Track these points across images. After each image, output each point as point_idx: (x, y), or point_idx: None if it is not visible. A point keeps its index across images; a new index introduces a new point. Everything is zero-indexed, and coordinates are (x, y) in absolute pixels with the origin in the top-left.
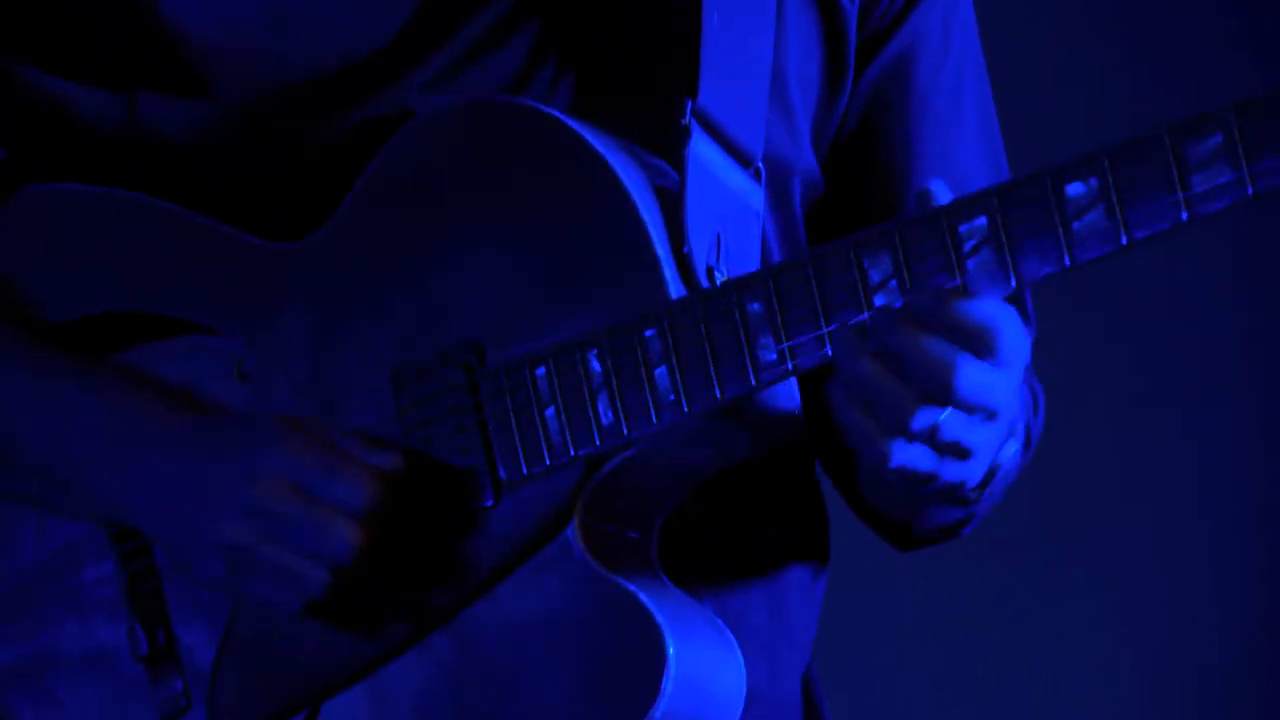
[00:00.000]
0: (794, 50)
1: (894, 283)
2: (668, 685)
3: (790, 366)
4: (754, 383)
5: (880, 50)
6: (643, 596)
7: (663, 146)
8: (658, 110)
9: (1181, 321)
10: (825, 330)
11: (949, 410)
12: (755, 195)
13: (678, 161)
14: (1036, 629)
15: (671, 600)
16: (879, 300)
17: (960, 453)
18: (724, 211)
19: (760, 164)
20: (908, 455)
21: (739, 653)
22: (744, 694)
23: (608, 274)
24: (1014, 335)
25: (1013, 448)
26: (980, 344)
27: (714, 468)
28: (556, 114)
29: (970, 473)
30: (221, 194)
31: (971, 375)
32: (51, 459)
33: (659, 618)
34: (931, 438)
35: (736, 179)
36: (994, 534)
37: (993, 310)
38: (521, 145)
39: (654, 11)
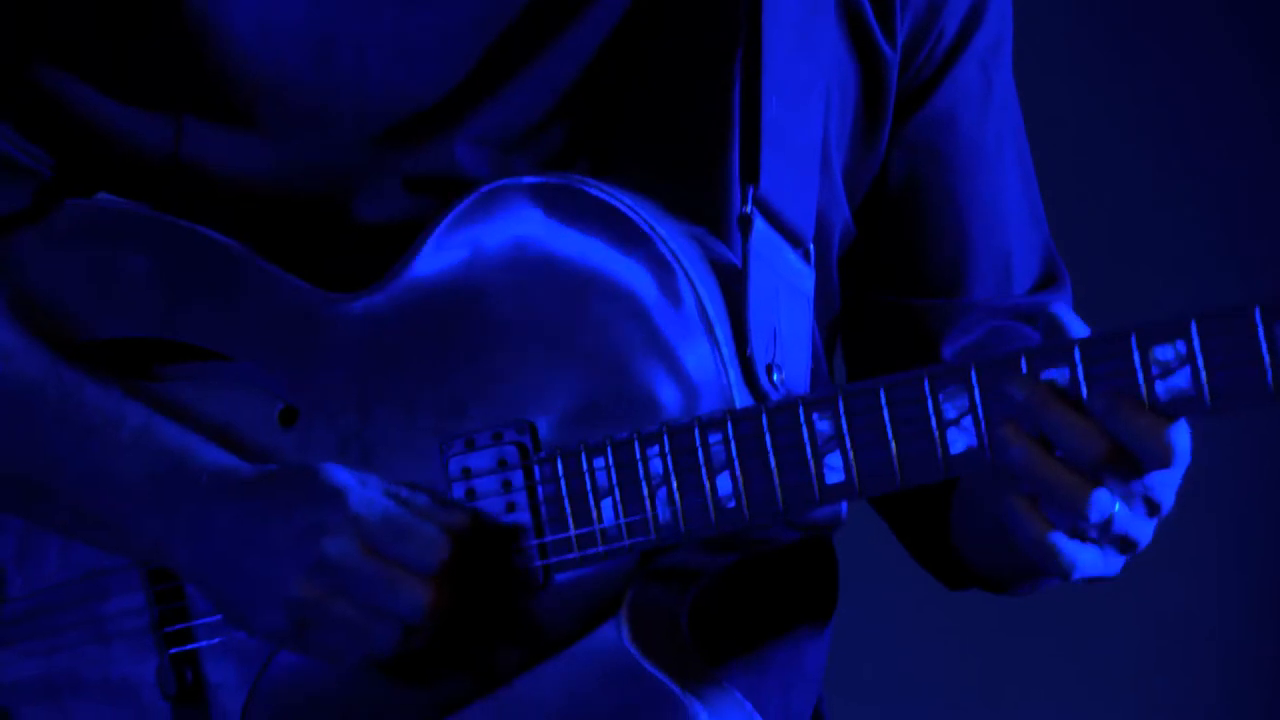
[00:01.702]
0: (834, 103)
1: (968, 419)
2: None
3: (857, 488)
4: (818, 500)
5: (925, 101)
6: (684, 698)
7: (723, 233)
8: (717, 194)
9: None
10: (894, 452)
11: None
12: (807, 278)
13: (738, 250)
14: (1035, 629)
15: (710, 692)
16: (953, 434)
17: (1127, 545)
18: (779, 301)
19: (810, 245)
20: (1078, 549)
21: None
22: None
23: (669, 368)
24: (1186, 444)
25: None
26: (1155, 455)
27: (749, 556)
28: (629, 208)
29: (1117, 563)
30: (261, 232)
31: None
32: (90, 495)
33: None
34: (1106, 529)
35: (790, 263)
36: None
37: (1171, 424)
38: (592, 231)
39: (713, 94)
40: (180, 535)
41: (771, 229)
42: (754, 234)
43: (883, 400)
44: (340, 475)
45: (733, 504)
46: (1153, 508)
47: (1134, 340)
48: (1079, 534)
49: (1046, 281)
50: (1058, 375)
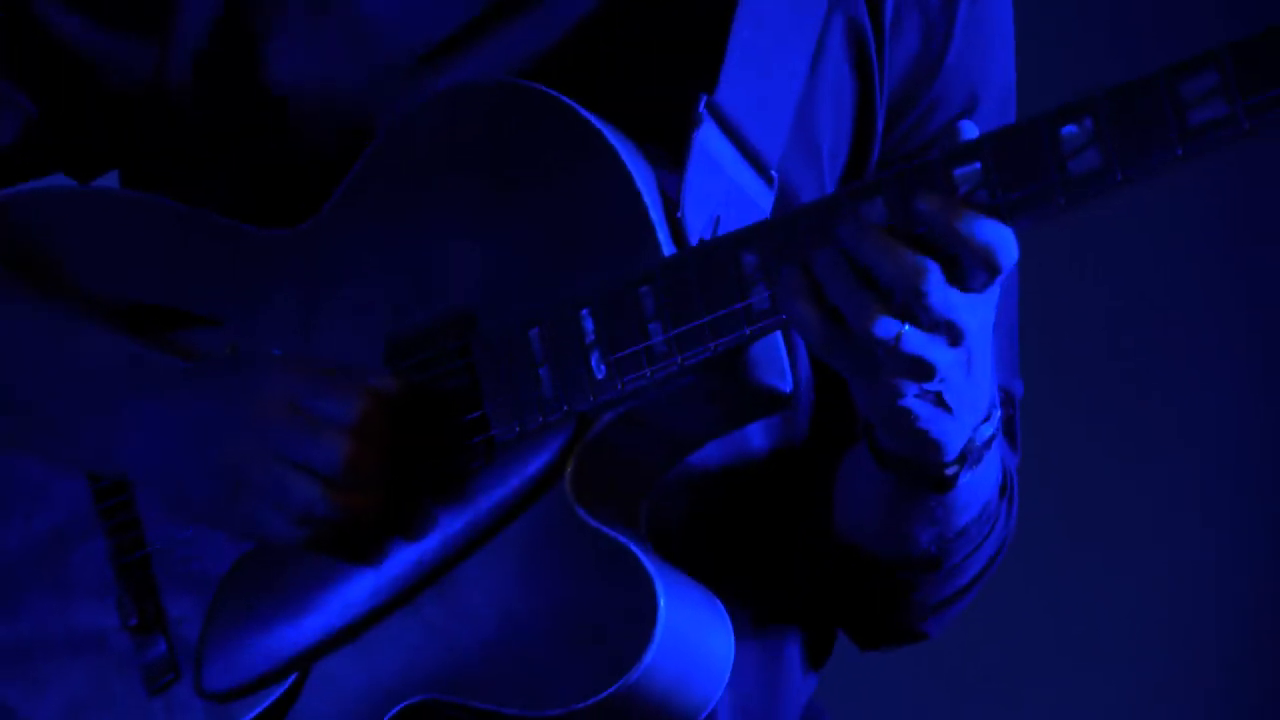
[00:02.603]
0: (828, 102)
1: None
2: (656, 637)
3: (784, 316)
4: (747, 331)
5: (915, 104)
6: (635, 549)
7: (676, 138)
8: (677, 107)
9: (1181, 322)
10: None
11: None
12: (764, 196)
13: (683, 146)
14: (1035, 630)
15: (661, 561)
16: None
17: (923, 369)
18: (727, 199)
19: (775, 172)
20: (870, 359)
21: (729, 623)
22: (730, 663)
23: (601, 239)
24: (1013, 253)
25: (988, 430)
26: (974, 260)
27: (704, 436)
28: (549, 90)
29: (941, 425)
30: (236, 171)
31: (940, 286)
32: (37, 397)
33: (651, 570)
34: (895, 348)
35: (747, 178)
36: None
37: (1005, 231)
38: (516, 121)
39: (689, 18)
40: (124, 427)
41: (727, 140)
42: (703, 133)
43: (801, 226)
44: (267, 354)
45: (665, 348)
46: (956, 334)
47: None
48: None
49: (1008, 371)
50: (972, 169)
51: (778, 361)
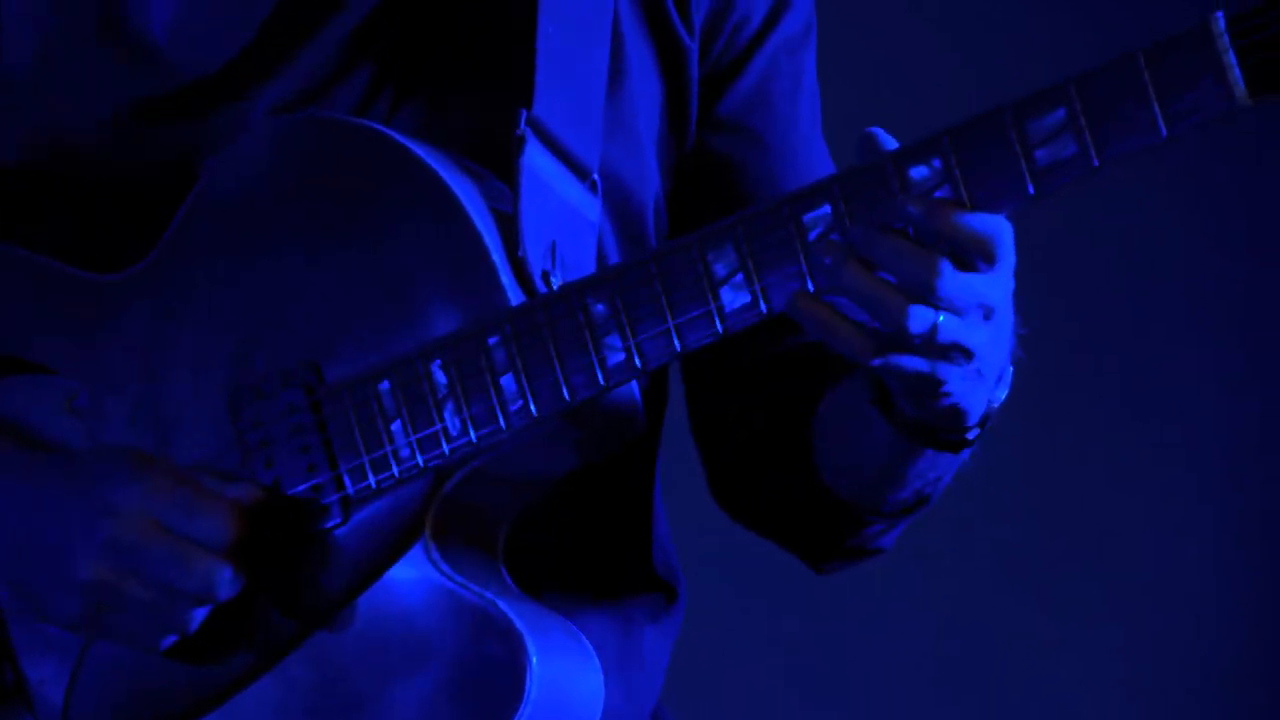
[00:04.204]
0: (636, 82)
1: (739, 276)
2: (530, 694)
3: (639, 365)
4: (603, 383)
5: (733, 81)
6: (503, 605)
7: (499, 159)
8: (495, 124)
9: (1181, 322)
10: (671, 324)
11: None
12: (591, 207)
13: (512, 171)
14: (1034, 630)
15: (529, 610)
16: (724, 293)
17: (964, 353)
18: (560, 220)
19: (596, 176)
20: (906, 360)
21: (597, 662)
22: (602, 699)
23: (444, 284)
24: (1010, 237)
25: (1003, 393)
26: (974, 251)
27: (561, 472)
28: (382, 129)
29: (972, 395)
30: (66, 222)
31: (956, 276)
32: None
33: (520, 626)
34: (931, 339)
35: (572, 190)
36: (993, 535)
37: (994, 218)
38: (348, 160)
39: (491, 26)
40: None
41: (550, 154)
42: (528, 154)
43: (653, 271)
44: (127, 455)
45: (519, 403)
46: (986, 311)
47: (888, 169)
48: (911, 348)
49: None
50: (819, 215)
51: (629, 398)
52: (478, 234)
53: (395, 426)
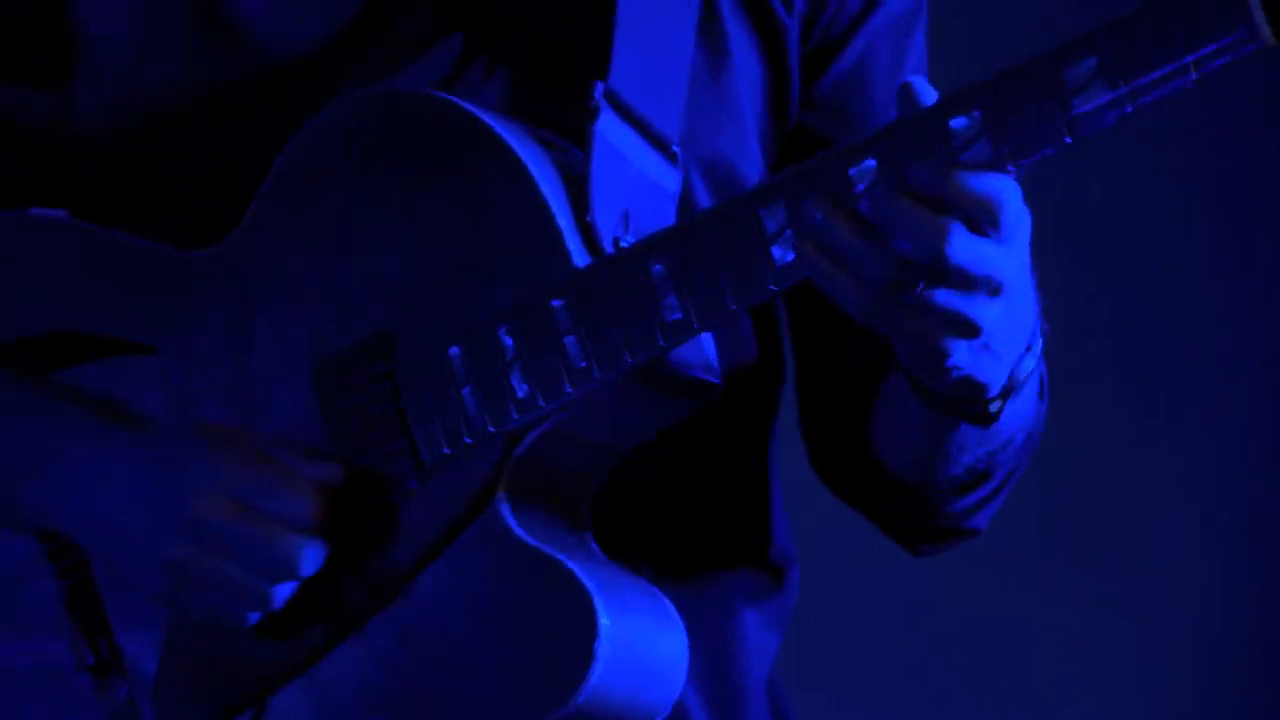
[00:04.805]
0: (738, 61)
1: (789, 232)
2: (600, 656)
3: (696, 325)
4: (662, 344)
5: (832, 61)
6: (571, 564)
7: (578, 131)
8: (572, 96)
9: (1180, 323)
10: (725, 282)
11: (946, 278)
12: (671, 178)
13: (585, 139)
14: (1034, 631)
15: (604, 570)
16: (776, 251)
17: (968, 328)
18: (635, 190)
19: (678, 148)
20: (904, 317)
21: (680, 624)
22: (685, 666)
23: (512, 250)
24: (1017, 209)
25: (1030, 364)
26: (980, 215)
27: (631, 441)
28: (451, 98)
29: (985, 367)
30: (154, 200)
31: (964, 242)
32: None
33: (589, 586)
34: (927, 304)
35: (650, 161)
36: (993, 536)
37: (996, 182)
38: (419, 132)
39: (570, 2)
40: (61, 499)
41: (626, 125)
42: (602, 123)
43: (707, 230)
44: (208, 434)
45: (583, 364)
46: (994, 287)
47: (930, 120)
48: (908, 306)
49: None
50: (865, 168)
51: (701, 357)
52: (543, 198)
53: (465, 392)
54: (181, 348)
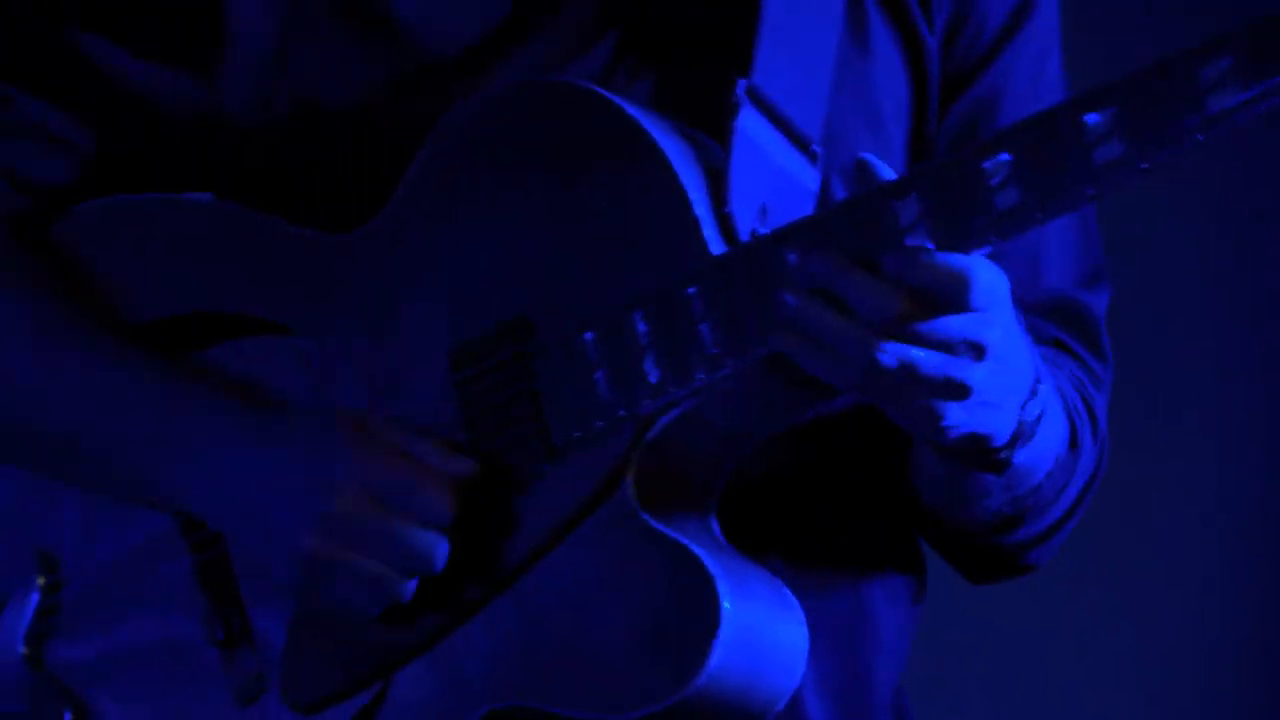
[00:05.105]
0: (881, 71)
1: (922, 225)
2: (721, 640)
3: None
4: None
5: (969, 86)
6: (696, 549)
7: (720, 127)
8: (717, 92)
9: (1180, 323)
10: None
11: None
12: (810, 176)
13: (725, 134)
14: (1034, 631)
15: (727, 557)
16: (910, 243)
17: (958, 390)
18: (774, 185)
19: (818, 147)
20: (889, 390)
21: (800, 613)
22: (805, 655)
23: (650, 237)
24: (988, 278)
25: (1036, 409)
26: (950, 295)
27: (763, 430)
28: (594, 87)
29: (985, 420)
30: (295, 187)
31: (938, 322)
32: (114, 446)
33: (713, 570)
34: (911, 370)
35: (790, 158)
36: None
37: (960, 260)
38: (562, 120)
39: (721, 2)
40: (198, 481)
41: (768, 122)
42: (743, 119)
43: (843, 221)
44: (347, 425)
45: (716, 352)
46: (978, 350)
47: (1062, 119)
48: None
49: (1086, 280)
50: (1000, 161)
51: None
52: (682, 187)
53: (599, 376)
54: (321, 329)
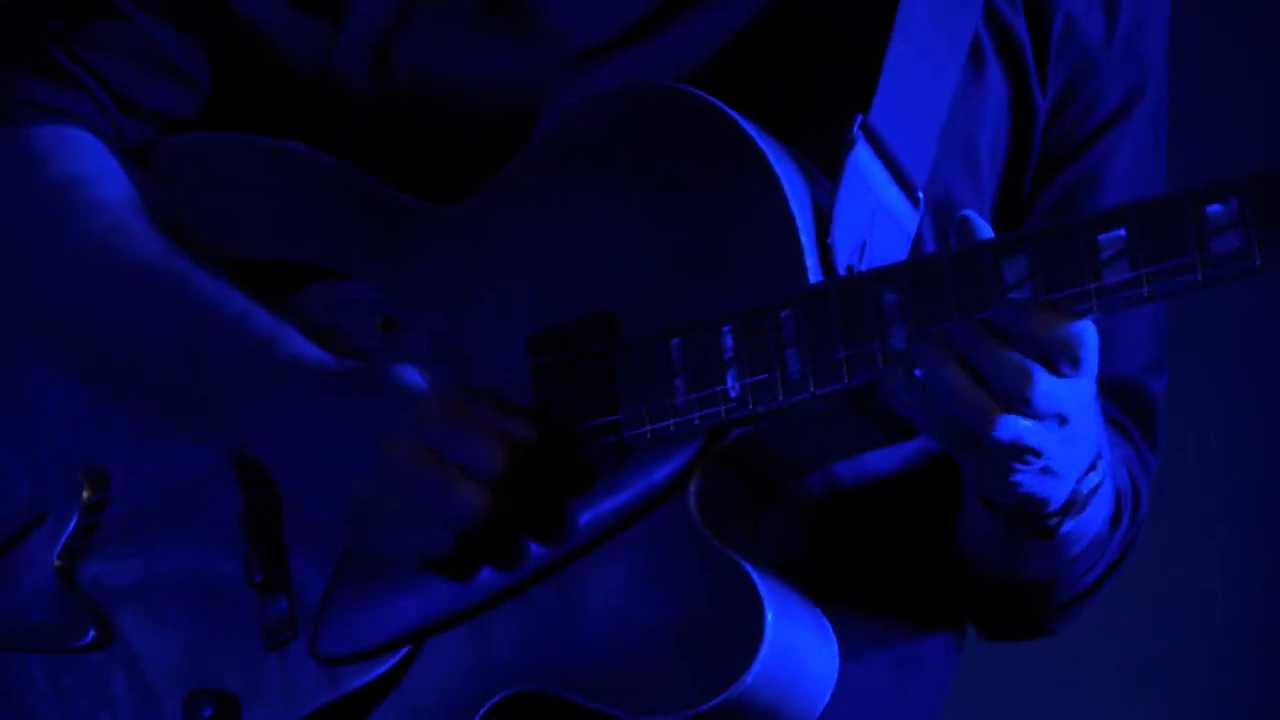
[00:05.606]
0: (989, 118)
1: (1029, 285)
2: (761, 657)
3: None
4: (881, 364)
5: (1071, 162)
6: (749, 569)
7: (828, 156)
8: (831, 124)
9: (1180, 323)
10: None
11: (1030, 420)
12: (910, 219)
13: (837, 166)
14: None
15: (774, 578)
16: (1013, 297)
17: (1032, 454)
18: (876, 224)
19: (921, 193)
20: (986, 459)
21: (833, 637)
22: (835, 676)
23: (750, 256)
24: (1094, 343)
25: (1093, 481)
26: (1062, 356)
27: (826, 459)
28: (715, 101)
29: (1046, 486)
30: (401, 153)
31: (1046, 385)
32: (183, 379)
33: (761, 588)
34: (1017, 443)
35: (894, 198)
36: None
37: (1076, 325)
38: (677, 127)
39: (848, 37)
40: (262, 419)
41: (878, 160)
42: (856, 154)
43: (947, 270)
44: (409, 376)
45: (799, 377)
46: (1061, 419)
47: (1186, 208)
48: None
49: (1152, 366)
50: (1115, 235)
51: None
52: (791, 214)
53: (679, 382)
54: (405, 294)
